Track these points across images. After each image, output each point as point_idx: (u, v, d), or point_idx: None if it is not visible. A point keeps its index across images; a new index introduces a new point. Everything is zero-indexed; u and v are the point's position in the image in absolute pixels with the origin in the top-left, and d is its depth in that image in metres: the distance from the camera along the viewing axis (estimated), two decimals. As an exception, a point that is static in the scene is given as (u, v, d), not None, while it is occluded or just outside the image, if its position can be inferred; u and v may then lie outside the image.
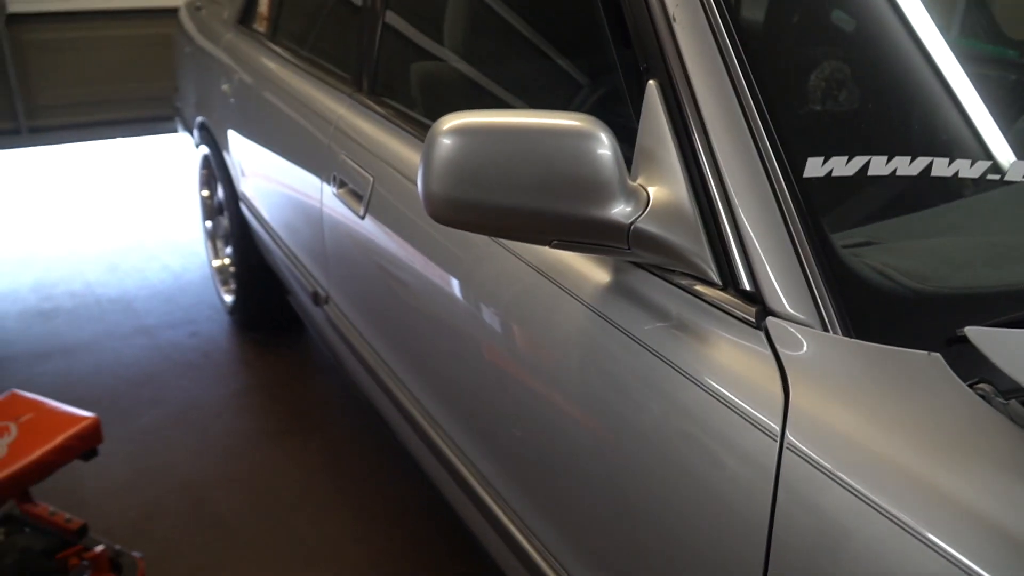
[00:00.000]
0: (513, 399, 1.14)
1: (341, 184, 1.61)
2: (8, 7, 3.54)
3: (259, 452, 2.20)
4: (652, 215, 0.88)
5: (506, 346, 1.15)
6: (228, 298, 2.84)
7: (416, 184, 1.37)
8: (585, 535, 1.04)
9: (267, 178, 2.15)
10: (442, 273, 1.30)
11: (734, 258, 0.84)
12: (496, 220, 0.88)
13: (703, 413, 0.82)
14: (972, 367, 0.72)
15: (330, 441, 2.25)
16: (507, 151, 0.86)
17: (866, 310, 0.79)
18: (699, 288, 0.88)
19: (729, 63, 0.90)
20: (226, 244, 2.82)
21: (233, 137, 2.42)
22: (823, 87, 1.04)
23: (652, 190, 0.90)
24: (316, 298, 1.86)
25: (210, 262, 2.99)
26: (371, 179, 1.49)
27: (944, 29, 1.03)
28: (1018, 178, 0.91)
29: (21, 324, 2.81)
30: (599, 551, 1.01)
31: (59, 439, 1.47)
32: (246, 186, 2.38)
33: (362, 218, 1.51)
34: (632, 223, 0.87)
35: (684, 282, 0.90)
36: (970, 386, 0.71)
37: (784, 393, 0.76)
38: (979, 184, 0.92)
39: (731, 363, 0.82)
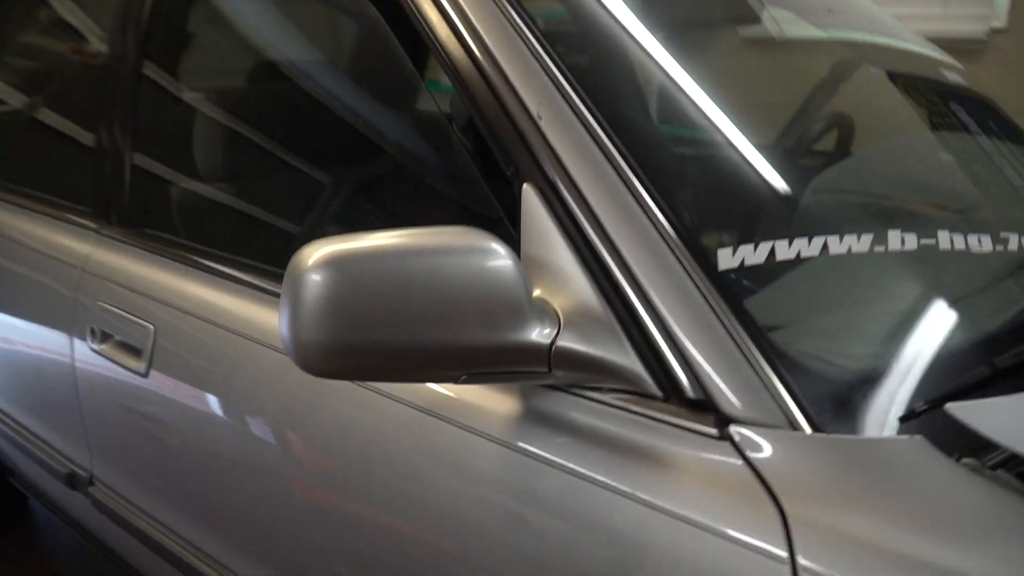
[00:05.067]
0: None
1: (104, 338, 1.32)
2: None
3: None
4: (569, 329, 0.77)
5: (393, 505, 0.96)
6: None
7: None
8: None
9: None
10: (273, 423, 1.08)
11: (670, 364, 0.76)
12: (391, 362, 0.73)
13: (692, 550, 0.70)
14: (945, 443, 0.69)
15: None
16: (393, 280, 0.72)
17: (819, 400, 0.74)
18: (633, 405, 0.78)
19: (608, 155, 0.84)
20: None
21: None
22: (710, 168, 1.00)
23: (556, 302, 0.80)
24: (74, 481, 1.50)
25: None
26: (151, 328, 1.23)
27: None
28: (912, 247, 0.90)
29: None
30: None
31: None
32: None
33: (145, 376, 1.23)
34: (552, 343, 0.76)
35: (607, 398, 0.80)
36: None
37: (778, 509, 0.67)
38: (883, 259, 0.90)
39: (705, 485, 0.72)
